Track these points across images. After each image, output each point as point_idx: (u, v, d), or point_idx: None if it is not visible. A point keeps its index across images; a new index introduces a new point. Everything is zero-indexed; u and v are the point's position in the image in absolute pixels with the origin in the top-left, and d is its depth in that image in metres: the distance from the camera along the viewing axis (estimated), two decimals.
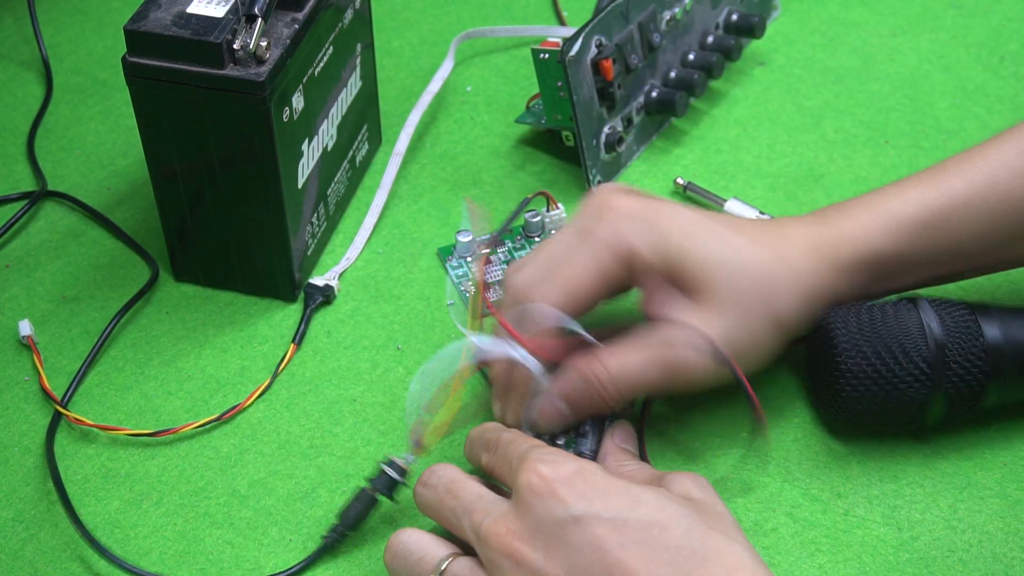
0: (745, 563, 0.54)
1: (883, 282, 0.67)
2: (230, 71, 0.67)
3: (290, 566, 0.64)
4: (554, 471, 0.56)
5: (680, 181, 0.82)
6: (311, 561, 0.64)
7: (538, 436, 0.64)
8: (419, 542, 0.59)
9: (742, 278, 0.64)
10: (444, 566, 0.58)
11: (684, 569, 0.53)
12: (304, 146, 0.73)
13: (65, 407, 0.70)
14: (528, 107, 0.87)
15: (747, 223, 0.67)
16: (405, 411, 0.67)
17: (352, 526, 0.65)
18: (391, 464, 0.65)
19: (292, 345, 0.74)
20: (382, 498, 0.65)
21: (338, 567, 0.65)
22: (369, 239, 0.80)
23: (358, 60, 0.79)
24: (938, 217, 0.65)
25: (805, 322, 0.66)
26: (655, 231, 0.64)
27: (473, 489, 0.59)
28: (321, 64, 0.73)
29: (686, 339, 0.63)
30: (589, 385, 0.63)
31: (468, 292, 0.77)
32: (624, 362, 0.63)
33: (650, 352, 0.63)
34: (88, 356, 0.73)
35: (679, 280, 0.64)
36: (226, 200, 0.73)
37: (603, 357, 0.63)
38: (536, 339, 0.63)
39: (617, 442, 0.64)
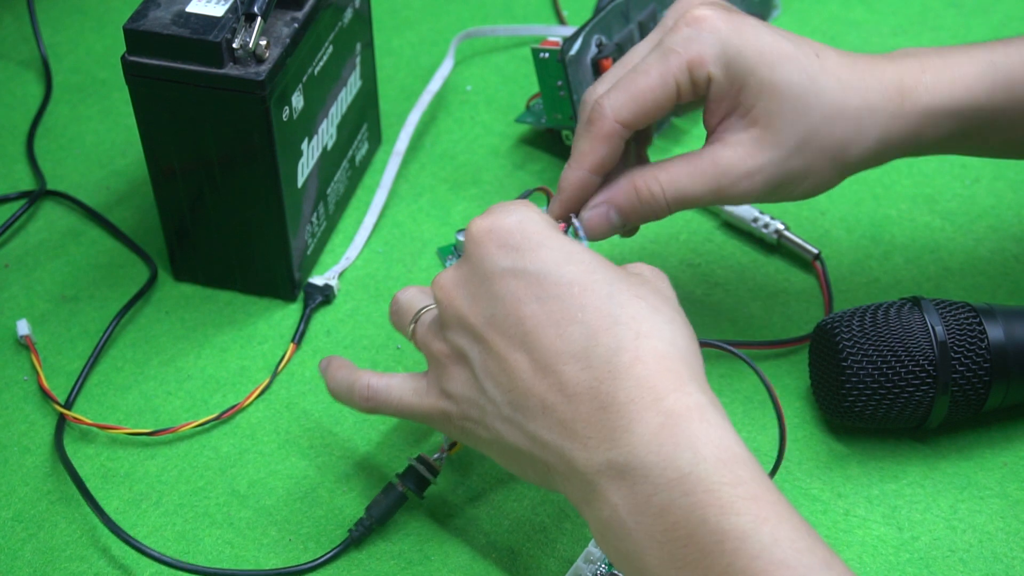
0: (658, 331, 0.53)
1: (971, 137, 0.66)
2: (229, 70, 0.67)
3: (316, 557, 0.64)
4: (493, 222, 0.57)
5: None
6: (337, 553, 0.64)
7: None
8: (409, 297, 0.63)
9: (807, 107, 0.63)
10: (420, 314, 0.61)
11: (592, 329, 0.53)
12: (304, 145, 0.73)
13: (65, 407, 0.70)
14: (528, 107, 0.86)
15: (835, 53, 0.65)
16: None
17: (380, 520, 0.65)
18: (421, 461, 0.65)
19: (292, 345, 0.74)
20: (410, 494, 0.65)
21: (363, 560, 0.65)
22: (369, 239, 0.80)
23: (358, 59, 0.79)
24: None
25: (872, 162, 0.65)
26: (728, 45, 0.63)
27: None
28: (321, 63, 0.73)
29: (738, 163, 0.63)
30: (640, 196, 0.64)
31: None
32: (676, 179, 0.63)
33: (702, 174, 0.63)
34: (91, 357, 0.73)
35: (742, 100, 0.63)
36: (225, 199, 0.73)
37: (657, 171, 0.64)
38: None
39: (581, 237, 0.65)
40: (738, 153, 0.63)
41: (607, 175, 0.65)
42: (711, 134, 0.65)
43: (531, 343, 0.54)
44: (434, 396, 0.60)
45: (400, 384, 0.61)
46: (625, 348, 0.53)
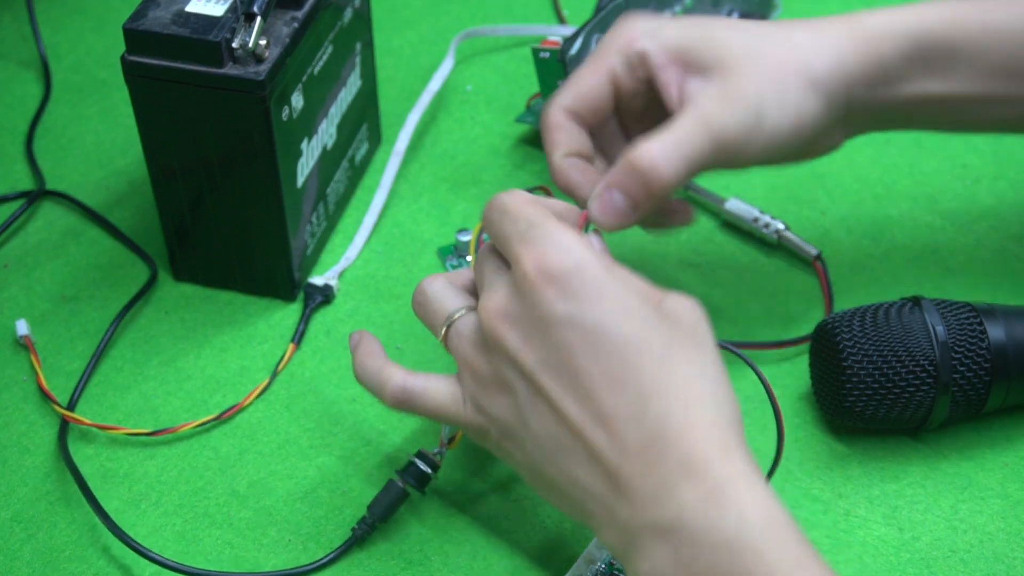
0: (707, 397, 0.54)
1: (936, 67, 0.66)
2: (229, 70, 0.67)
3: (319, 557, 0.64)
4: (551, 264, 0.55)
5: None
6: (340, 552, 0.64)
7: None
8: (438, 292, 0.61)
9: (767, 47, 0.64)
10: (454, 318, 0.60)
11: (646, 392, 0.53)
12: (303, 145, 0.73)
13: (65, 407, 0.70)
14: (528, 106, 0.86)
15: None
16: None
17: (382, 518, 0.65)
18: (421, 457, 0.65)
19: (291, 345, 0.74)
20: (412, 490, 0.65)
21: (367, 558, 0.65)
22: (369, 238, 0.80)
23: (358, 59, 0.79)
24: (1002, 18, 0.65)
25: (842, 93, 0.65)
26: (665, 29, 0.65)
27: (494, 263, 0.59)
28: (320, 63, 0.73)
29: (721, 110, 0.62)
30: (638, 169, 0.61)
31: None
32: (671, 143, 0.62)
33: (693, 130, 0.62)
34: (91, 357, 0.73)
35: (698, 64, 0.64)
36: (225, 199, 0.73)
37: (649, 142, 0.62)
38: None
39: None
40: (715, 103, 0.63)
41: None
42: (680, 106, 0.64)
43: (584, 395, 0.54)
44: (471, 411, 0.59)
45: (437, 389, 0.60)
46: (675, 415, 0.53)
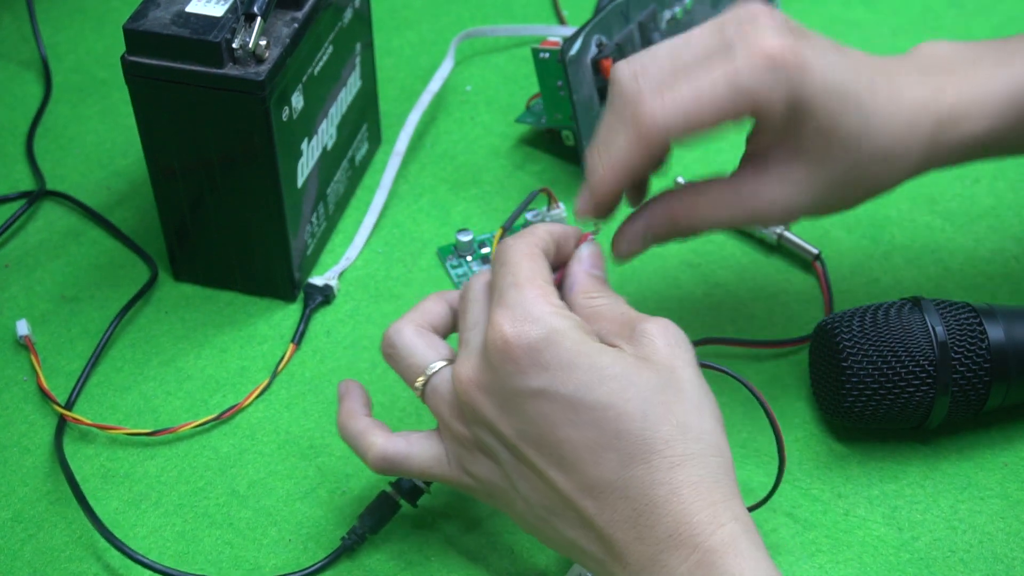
0: (691, 456, 0.53)
1: (999, 150, 0.66)
2: (229, 70, 0.67)
3: (308, 565, 0.64)
4: (519, 335, 0.55)
5: (680, 180, 0.82)
6: (329, 562, 0.64)
7: None
8: (408, 345, 0.60)
9: (857, 151, 0.61)
10: (428, 374, 0.59)
11: (628, 457, 0.53)
12: (304, 145, 0.73)
13: (64, 407, 0.70)
14: (528, 107, 0.86)
15: (886, 80, 0.62)
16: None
17: (373, 529, 0.64)
18: None
19: (291, 345, 0.74)
20: (403, 503, 0.65)
21: (356, 569, 0.64)
22: (369, 239, 0.80)
23: (358, 59, 0.79)
24: None
25: (925, 164, 0.64)
26: (796, 86, 0.58)
27: (475, 312, 0.59)
28: (321, 63, 0.73)
29: (781, 200, 0.61)
30: (678, 227, 0.62)
31: None
32: (716, 212, 0.62)
33: (742, 206, 0.62)
34: (91, 357, 0.73)
35: (797, 137, 0.60)
36: (226, 200, 0.73)
37: (696, 202, 0.62)
38: None
39: (586, 268, 0.61)
40: (783, 190, 0.62)
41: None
42: (753, 155, 0.62)
43: (568, 466, 0.54)
44: (457, 470, 0.59)
45: (420, 453, 0.60)
46: (661, 482, 0.53)
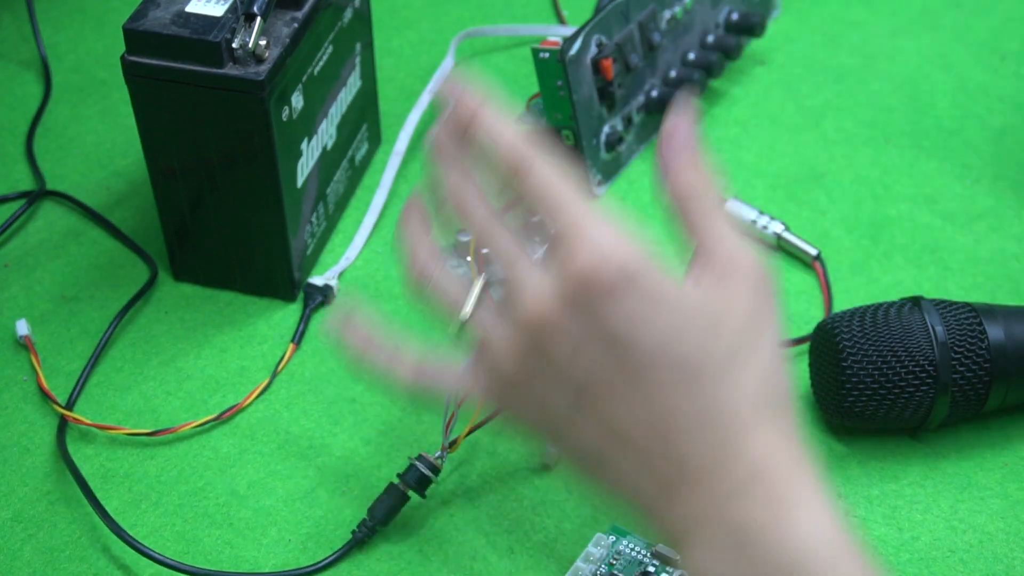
0: (766, 417, 0.50)
1: None
2: (229, 70, 0.67)
3: (318, 560, 0.64)
4: (600, 274, 0.49)
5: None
6: (340, 555, 0.64)
7: None
8: (443, 284, 0.56)
9: None
10: (469, 315, 0.54)
11: (704, 413, 0.50)
12: (303, 145, 0.73)
13: (64, 407, 0.70)
14: (528, 106, 0.86)
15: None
16: (443, 408, 0.66)
17: (382, 522, 0.65)
18: (422, 460, 0.65)
19: (291, 345, 0.74)
20: (412, 494, 0.65)
21: (363, 560, 0.65)
22: (369, 239, 0.80)
23: (357, 59, 0.79)
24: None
25: None
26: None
27: (508, 241, 0.54)
28: (320, 63, 0.73)
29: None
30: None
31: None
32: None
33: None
34: (91, 357, 0.73)
35: None
36: (225, 199, 0.73)
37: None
38: None
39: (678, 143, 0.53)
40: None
41: None
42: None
43: (639, 416, 0.50)
44: (495, 403, 0.55)
45: (454, 381, 0.55)
46: (738, 432, 0.50)
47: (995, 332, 0.66)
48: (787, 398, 0.52)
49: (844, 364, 0.65)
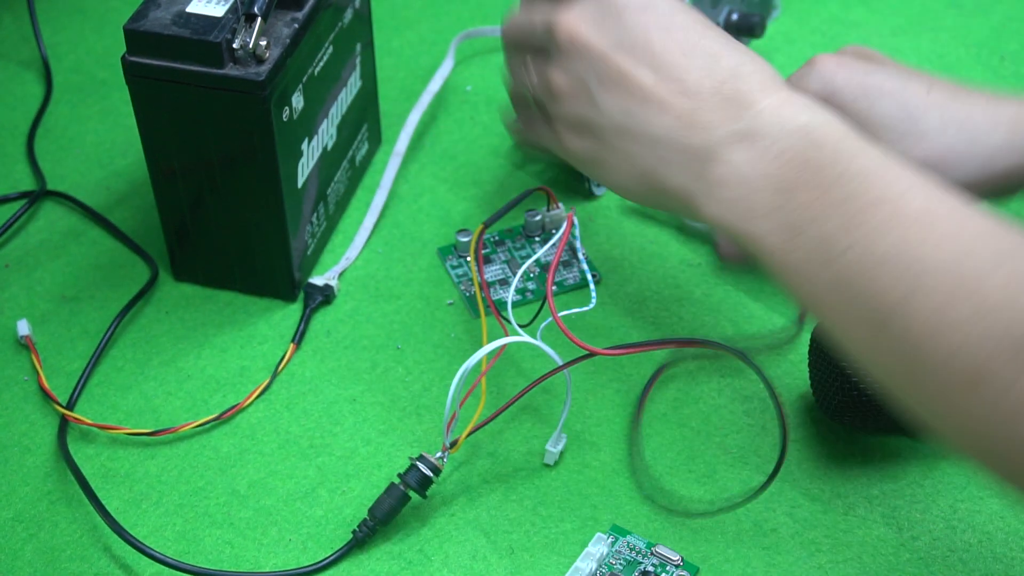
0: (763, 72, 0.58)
1: None
2: (230, 70, 0.67)
3: (319, 560, 0.64)
4: None
5: None
6: (341, 555, 0.64)
7: None
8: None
9: (904, 145, 0.65)
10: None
11: (714, 54, 0.59)
12: (304, 146, 0.73)
13: (65, 407, 0.70)
14: None
15: (950, 88, 0.67)
16: (445, 408, 0.66)
17: (383, 521, 0.65)
18: (423, 460, 0.65)
19: (292, 345, 0.74)
20: (413, 494, 0.65)
21: (363, 560, 0.65)
22: (369, 239, 0.80)
23: (358, 60, 0.79)
24: None
25: (983, 193, 0.65)
26: (830, 82, 0.66)
27: None
28: (321, 64, 0.73)
29: None
30: None
31: (468, 292, 0.77)
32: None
33: None
34: (91, 357, 0.73)
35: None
36: (226, 200, 0.73)
37: None
38: None
39: None
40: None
41: None
42: None
43: (657, 63, 0.59)
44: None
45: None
46: (746, 63, 0.58)
47: None
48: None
49: (844, 364, 0.65)
